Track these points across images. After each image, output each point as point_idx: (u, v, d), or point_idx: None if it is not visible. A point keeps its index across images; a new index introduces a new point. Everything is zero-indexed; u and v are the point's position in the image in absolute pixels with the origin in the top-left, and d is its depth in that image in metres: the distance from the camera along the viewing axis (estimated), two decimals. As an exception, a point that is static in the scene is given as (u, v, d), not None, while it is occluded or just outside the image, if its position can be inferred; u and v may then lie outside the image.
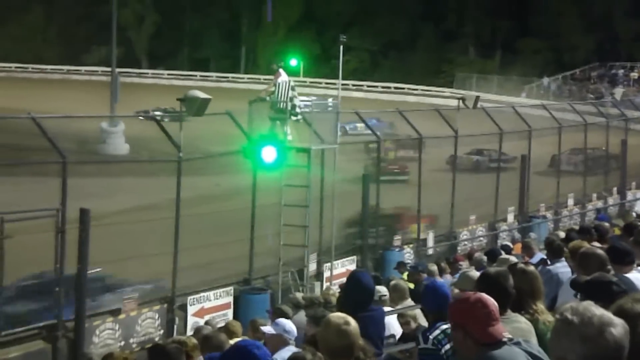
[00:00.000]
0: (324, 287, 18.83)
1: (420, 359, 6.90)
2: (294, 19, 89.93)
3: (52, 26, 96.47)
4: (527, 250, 14.04)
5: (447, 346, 6.62)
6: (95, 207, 17.42)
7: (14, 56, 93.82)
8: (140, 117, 35.62)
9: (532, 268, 6.26)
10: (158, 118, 19.47)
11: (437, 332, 6.72)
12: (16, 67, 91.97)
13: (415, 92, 77.95)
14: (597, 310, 3.11)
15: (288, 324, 8.31)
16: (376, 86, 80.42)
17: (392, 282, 12.49)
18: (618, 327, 3.08)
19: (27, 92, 67.40)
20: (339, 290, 14.89)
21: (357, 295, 7.89)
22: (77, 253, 15.19)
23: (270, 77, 20.66)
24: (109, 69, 50.61)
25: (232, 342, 8.72)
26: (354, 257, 21.20)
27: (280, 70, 19.58)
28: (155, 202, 25.00)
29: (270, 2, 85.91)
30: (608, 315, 3.11)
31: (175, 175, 17.47)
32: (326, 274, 19.96)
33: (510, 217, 26.01)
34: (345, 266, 20.71)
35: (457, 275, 10.96)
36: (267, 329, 8.42)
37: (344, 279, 18.57)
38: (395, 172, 30.88)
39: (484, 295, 4.52)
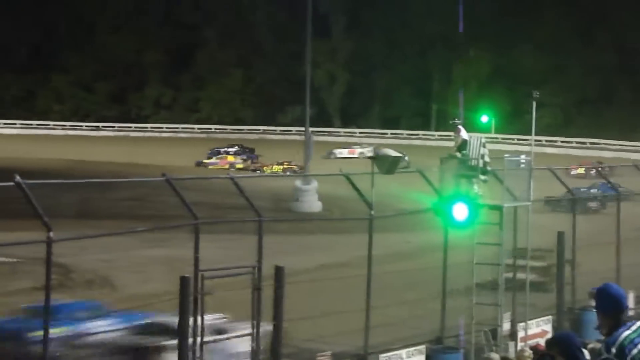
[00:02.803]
0: (518, 347, 18.38)
1: None
2: (484, 75, 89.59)
3: (250, 88, 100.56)
4: None
5: (634, 351, 6.28)
6: (289, 264, 17.84)
7: (214, 117, 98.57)
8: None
9: None
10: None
11: (621, 338, 6.38)
12: (216, 129, 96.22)
13: (611, 147, 75.58)
14: None
15: None
16: (570, 141, 78.57)
17: (590, 346, 12.02)
18: None
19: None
20: (532, 352, 14.47)
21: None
22: (273, 309, 15.57)
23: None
24: (302, 128, 51.99)
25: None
26: (549, 317, 20.62)
27: (460, 126, 19.61)
28: (347, 260, 25.33)
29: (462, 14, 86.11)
30: None
31: (366, 233, 17.66)
32: (520, 333, 19.51)
33: None
34: (540, 326, 20.15)
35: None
36: None
37: (538, 340, 18.13)
38: None
39: None
